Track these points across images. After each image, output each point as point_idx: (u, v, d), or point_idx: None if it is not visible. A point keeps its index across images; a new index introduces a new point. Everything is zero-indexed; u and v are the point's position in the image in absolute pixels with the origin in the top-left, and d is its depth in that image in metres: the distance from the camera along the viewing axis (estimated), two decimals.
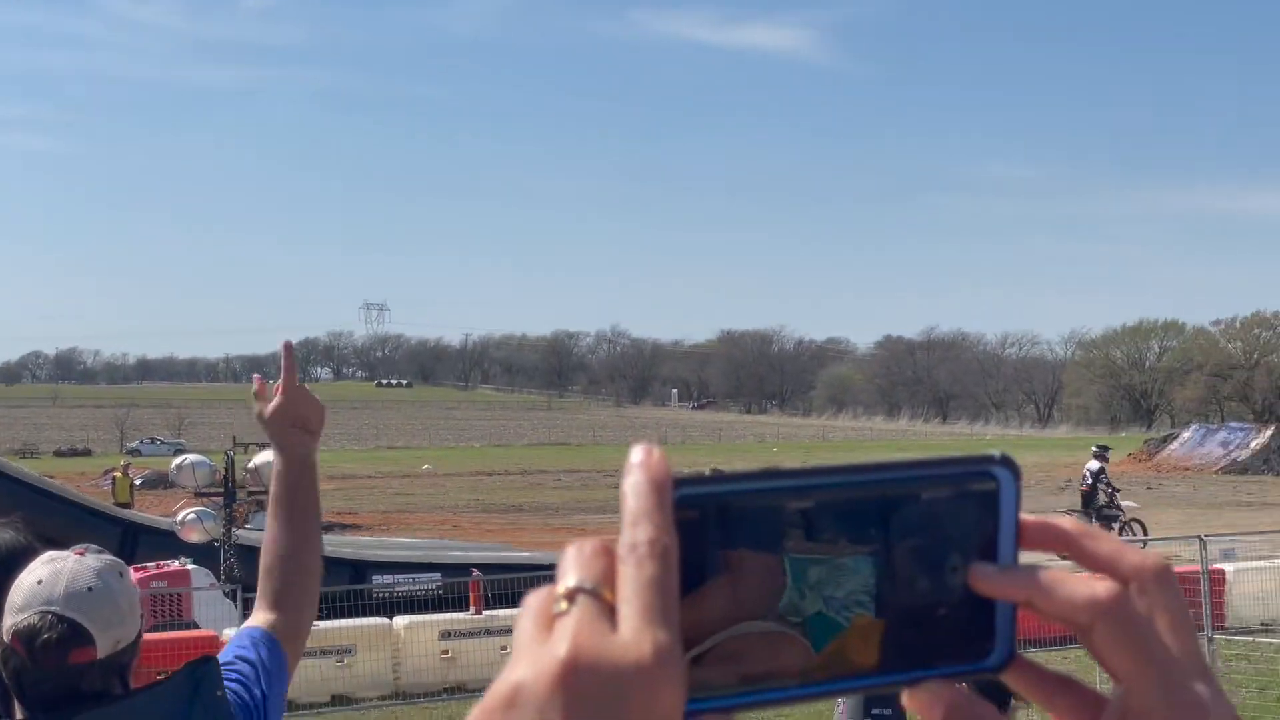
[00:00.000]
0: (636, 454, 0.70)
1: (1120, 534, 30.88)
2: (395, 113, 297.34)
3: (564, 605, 0.64)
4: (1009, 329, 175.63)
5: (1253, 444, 67.79)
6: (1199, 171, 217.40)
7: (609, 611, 0.64)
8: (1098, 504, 33.89)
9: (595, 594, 0.64)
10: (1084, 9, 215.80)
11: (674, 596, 0.65)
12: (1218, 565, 21.78)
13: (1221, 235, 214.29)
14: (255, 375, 3.05)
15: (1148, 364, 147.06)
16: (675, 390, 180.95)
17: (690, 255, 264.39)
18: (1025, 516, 0.76)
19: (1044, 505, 47.64)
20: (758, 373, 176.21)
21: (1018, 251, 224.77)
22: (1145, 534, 31.94)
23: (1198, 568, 18.90)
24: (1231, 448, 68.32)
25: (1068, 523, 0.77)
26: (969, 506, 0.75)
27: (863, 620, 0.71)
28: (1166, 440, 75.15)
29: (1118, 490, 35.40)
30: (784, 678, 0.69)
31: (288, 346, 3.05)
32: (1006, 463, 0.76)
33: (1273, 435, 68.42)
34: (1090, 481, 34.34)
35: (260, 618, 2.99)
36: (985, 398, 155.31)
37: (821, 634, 0.71)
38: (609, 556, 0.66)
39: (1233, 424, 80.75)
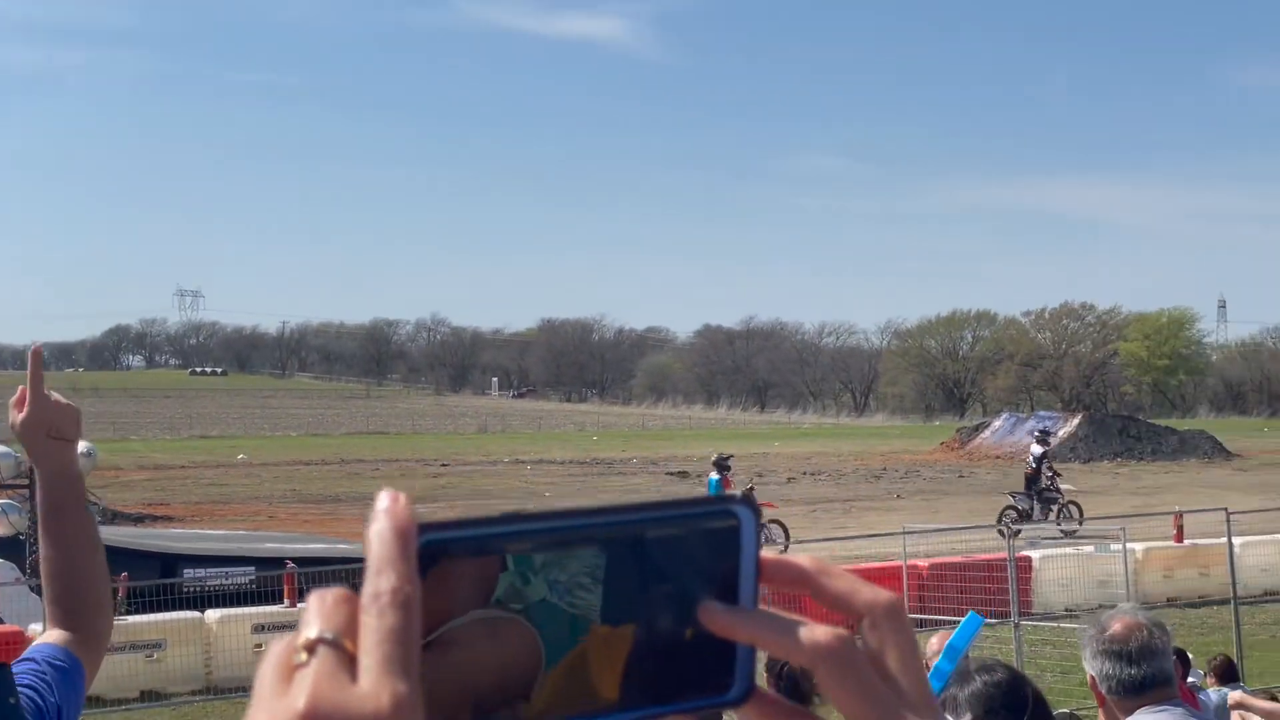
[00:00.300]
0: (382, 500, 0.70)
1: (1059, 515, 34.10)
2: (212, 97, 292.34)
3: (304, 656, 0.63)
4: (826, 319, 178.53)
5: (1061, 432, 69.39)
6: (1011, 165, 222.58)
7: (349, 662, 0.63)
8: (1040, 486, 35.83)
9: (336, 644, 0.63)
10: (905, 7, 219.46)
11: (415, 646, 0.64)
12: (1024, 553, 22.37)
13: (1031, 228, 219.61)
14: (21, 386, 2.88)
15: (961, 353, 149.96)
16: (495, 378, 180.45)
17: (511, 244, 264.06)
18: (765, 554, 0.77)
19: (856, 492, 48.44)
20: (578, 361, 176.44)
21: (835, 242, 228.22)
22: (1081, 515, 33.40)
23: (1005, 556, 19.34)
24: None
25: (805, 560, 0.78)
26: (711, 545, 0.76)
27: (600, 636, 0.72)
28: (978, 429, 76.72)
29: (1059, 474, 37.39)
30: (517, 703, 0.69)
31: (35, 354, 2.88)
32: (747, 502, 0.77)
33: (1080, 424, 70.18)
34: (1035, 465, 36.23)
35: (53, 635, 2.89)
36: (803, 386, 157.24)
37: (550, 627, 0.71)
38: (352, 605, 0.65)
39: (1042, 413, 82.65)
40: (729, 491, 0.72)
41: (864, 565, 24.54)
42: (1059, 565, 23.69)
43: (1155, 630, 4.43)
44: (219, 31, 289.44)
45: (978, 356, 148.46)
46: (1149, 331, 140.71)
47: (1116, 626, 4.35)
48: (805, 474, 57.32)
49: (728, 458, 35.56)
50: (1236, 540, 22.93)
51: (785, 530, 32.34)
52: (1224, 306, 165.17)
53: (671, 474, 57.65)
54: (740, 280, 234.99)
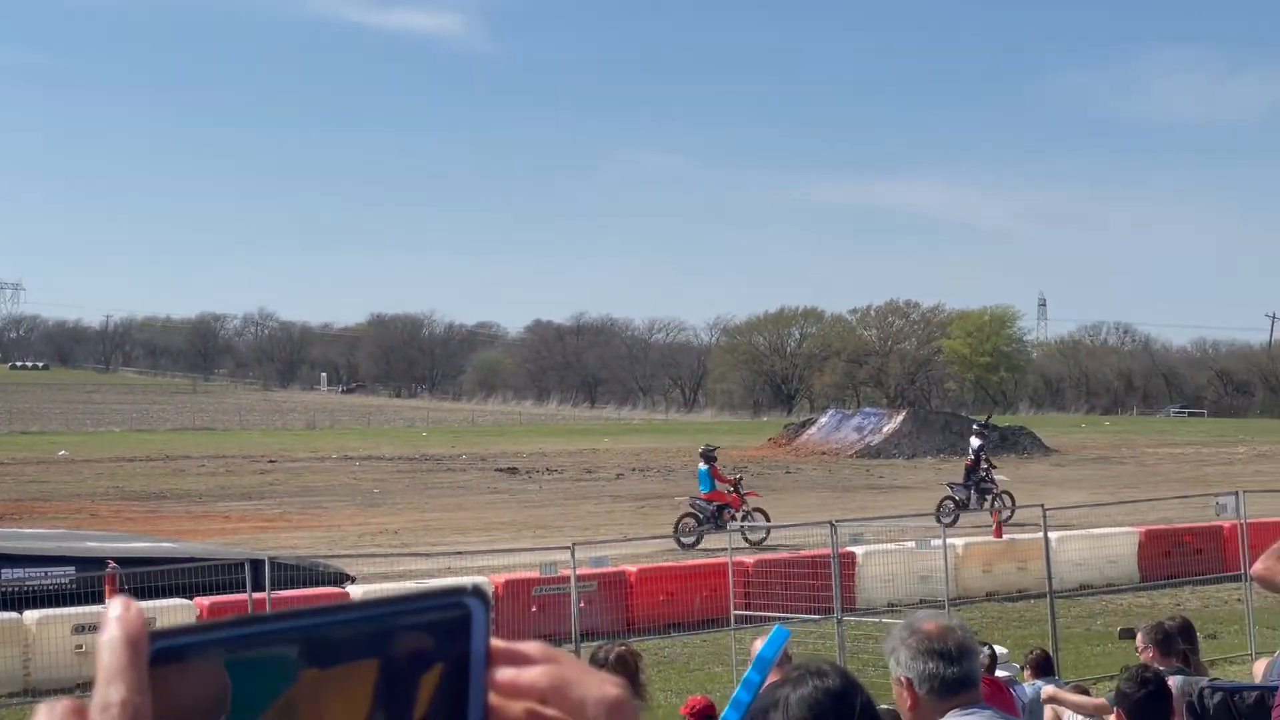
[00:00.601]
0: (114, 608, 0.67)
1: (992, 504, 35.72)
2: (30, 85, 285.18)
3: None
4: (656, 315, 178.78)
5: (885, 429, 70.53)
6: (840, 164, 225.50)
7: None
8: (977, 477, 37.64)
9: None
10: (737, 4, 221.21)
11: None
12: (848, 549, 22.69)
13: (859, 226, 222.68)
14: None
15: (789, 350, 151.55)
16: (324, 374, 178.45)
17: (341, 238, 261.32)
18: (495, 643, 0.79)
19: (684, 489, 48.70)
20: (408, 356, 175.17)
21: (665, 239, 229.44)
22: (1014, 504, 34.94)
23: (829, 551, 19.63)
24: (865, 432, 70.95)
25: (533, 648, 0.81)
26: (440, 637, 0.77)
27: None
28: (805, 425, 77.58)
29: (994, 466, 39.06)
30: None
31: None
32: (478, 593, 0.80)
33: (904, 420, 71.32)
34: (973, 457, 37.98)
35: None
36: (633, 382, 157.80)
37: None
38: (81, 718, 0.64)
39: (867, 409, 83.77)
40: (461, 583, 0.73)
41: (691, 562, 24.79)
42: (882, 561, 24.10)
43: (965, 631, 4.54)
44: (41, 19, 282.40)
45: (805, 353, 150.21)
46: (971, 329, 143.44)
47: (931, 627, 4.43)
48: (634, 470, 57.57)
49: (714, 449, 36.26)
50: (1053, 535, 23.52)
51: (766, 516, 33.03)
52: (1044, 305, 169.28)
53: (501, 470, 57.54)
54: (571, 276, 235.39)
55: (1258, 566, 5.62)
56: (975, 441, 38.87)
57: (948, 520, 31.77)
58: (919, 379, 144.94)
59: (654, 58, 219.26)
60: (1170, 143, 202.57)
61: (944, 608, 19.38)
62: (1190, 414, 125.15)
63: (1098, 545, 27.09)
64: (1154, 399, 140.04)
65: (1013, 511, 34.69)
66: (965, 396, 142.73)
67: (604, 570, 21.68)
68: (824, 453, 68.20)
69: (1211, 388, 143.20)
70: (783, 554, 23.66)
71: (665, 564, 24.86)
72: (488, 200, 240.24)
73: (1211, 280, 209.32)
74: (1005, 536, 26.77)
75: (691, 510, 33.82)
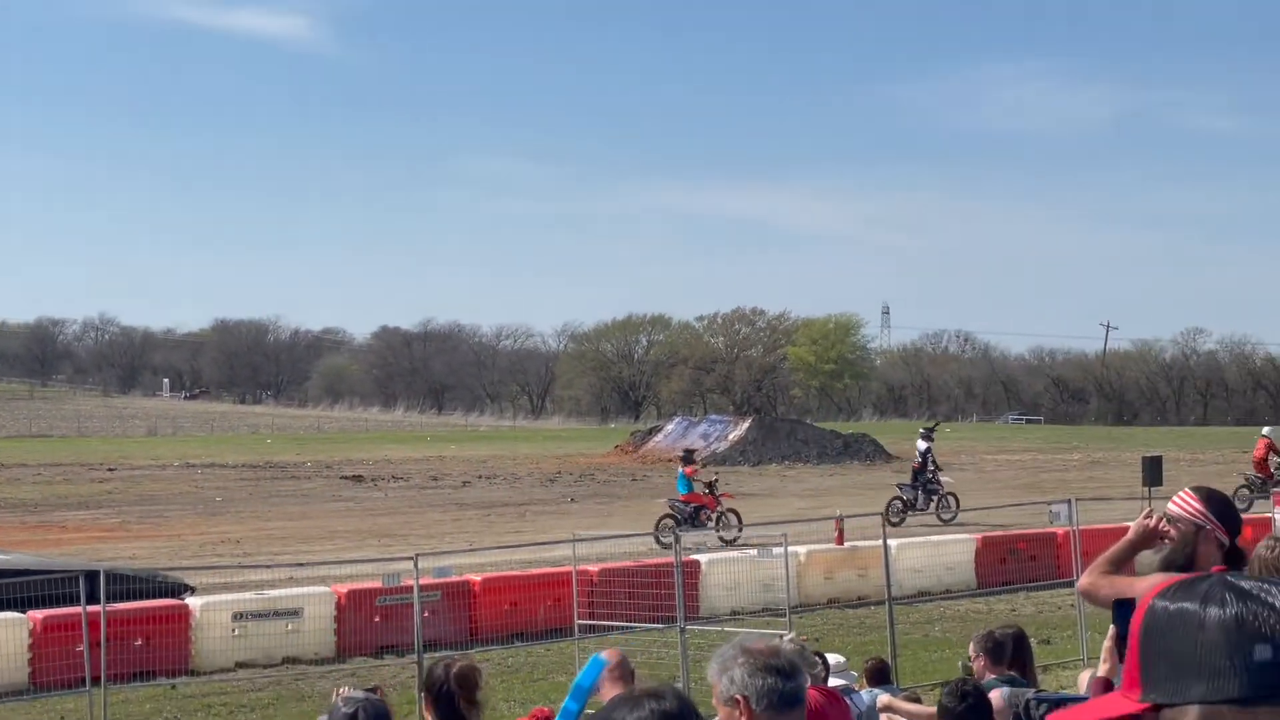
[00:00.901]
0: None
1: (939, 505, 37.79)
2: None
3: None
4: (504, 321, 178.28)
5: (731, 436, 71.02)
6: (688, 170, 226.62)
7: None
8: (924, 478, 39.22)
9: None
10: (584, 11, 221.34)
11: None
12: (691, 557, 22.87)
13: (706, 233, 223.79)
14: None
15: (636, 357, 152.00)
16: (166, 380, 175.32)
17: (183, 242, 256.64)
18: None
19: (531, 496, 48.72)
20: (252, 362, 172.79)
21: (513, 244, 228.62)
22: (958, 506, 37.22)
23: (671, 560, 19.75)
24: (712, 439, 71.34)
25: None
26: None
27: None
28: (651, 432, 77.82)
29: (940, 468, 40.56)
30: None
31: None
32: None
33: (749, 427, 71.87)
34: (920, 459, 39.56)
35: None
36: (480, 389, 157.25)
37: None
38: None
39: (713, 416, 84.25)
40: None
41: (535, 571, 24.79)
42: (725, 569, 24.29)
43: (799, 643, 4.62)
44: None
45: (652, 360, 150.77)
46: (817, 337, 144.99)
47: (762, 645, 4.51)
48: (480, 477, 57.40)
49: (692, 452, 38.56)
50: (892, 542, 23.88)
51: (738, 517, 34.18)
52: (888, 313, 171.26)
53: (346, 478, 57.04)
54: (418, 282, 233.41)
55: (1083, 581, 5.78)
56: (921, 444, 40.14)
57: (896, 520, 35.01)
58: (765, 386, 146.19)
59: (503, 62, 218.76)
60: (1010, 154, 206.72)
61: (786, 615, 19.59)
62: (1028, 421, 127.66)
63: (936, 552, 27.57)
64: (993, 406, 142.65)
65: (955, 513, 36.42)
66: (810, 404, 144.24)
67: (448, 580, 21.61)
68: (670, 460, 68.20)
69: (1048, 395, 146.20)
70: (627, 563, 23.73)
71: (510, 573, 24.83)
72: (334, 205, 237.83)
73: (1049, 289, 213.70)
74: (846, 544, 27.10)
75: (670, 511, 34.88)
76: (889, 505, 36.19)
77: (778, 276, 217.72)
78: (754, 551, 23.17)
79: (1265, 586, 1.77)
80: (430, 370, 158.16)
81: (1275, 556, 6.57)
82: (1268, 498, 36.11)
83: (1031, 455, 70.34)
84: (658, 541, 30.36)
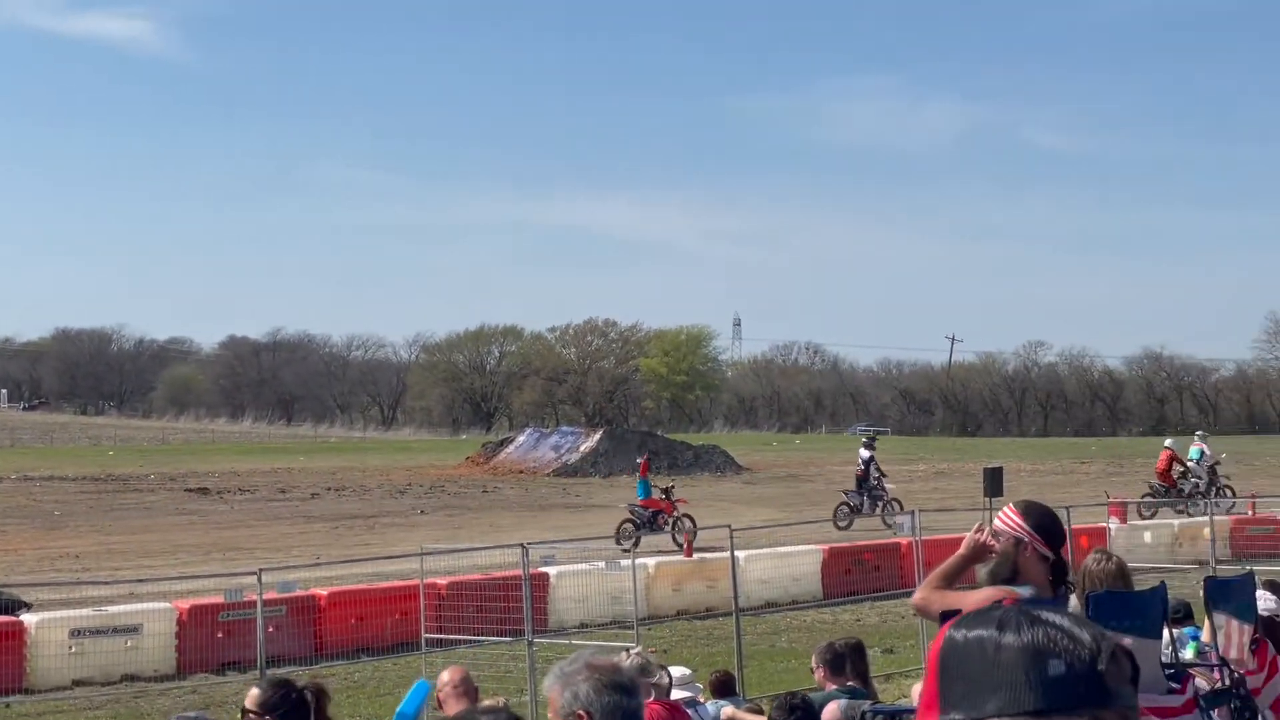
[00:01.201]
0: None
1: (883, 510, 39.53)
2: None
3: None
4: (355, 331, 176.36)
5: (582, 447, 71.01)
6: (537, 181, 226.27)
7: None
8: (869, 485, 41.16)
9: None
10: (431, 20, 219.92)
11: None
12: (540, 569, 22.82)
13: (558, 244, 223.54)
14: None
15: (488, 368, 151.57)
16: (5, 390, 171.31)
17: (24, 249, 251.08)
18: None
19: (380, 509, 48.30)
20: (94, 372, 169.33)
21: (364, 254, 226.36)
22: (901, 509, 37.40)
23: (520, 573, 19.71)
24: (563, 451, 71.32)
25: None
26: None
27: None
28: (503, 444, 77.56)
29: (884, 474, 42.40)
30: None
31: None
32: None
33: (600, 439, 71.93)
34: (864, 467, 41.41)
35: None
36: (330, 399, 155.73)
37: None
38: None
39: (565, 428, 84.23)
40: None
41: (382, 584, 24.58)
42: (574, 582, 24.29)
43: (639, 661, 4.65)
44: None
45: (505, 371, 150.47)
46: (669, 348, 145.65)
47: (605, 662, 4.53)
48: (329, 489, 56.79)
49: (645, 456, 40.51)
50: (740, 554, 24.05)
51: (693, 521, 35.39)
52: (739, 325, 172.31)
53: (191, 490, 56.14)
54: (267, 291, 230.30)
55: (916, 597, 5.88)
56: (865, 453, 42.12)
57: (843, 524, 37.38)
58: (617, 397, 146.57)
59: (352, 70, 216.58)
60: (858, 168, 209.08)
61: (634, 628, 19.65)
62: (876, 432, 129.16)
63: (783, 563, 27.83)
64: (841, 417, 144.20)
65: (899, 516, 36.95)
66: (662, 415, 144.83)
67: (293, 594, 21.38)
68: (521, 471, 68.33)
69: (895, 407, 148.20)
70: (475, 576, 23.65)
71: (357, 587, 24.60)
72: (182, 213, 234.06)
73: (896, 302, 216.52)
74: (695, 556, 27.25)
75: (630, 516, 36.61)
76: (836, 510, 38.71)
77: (630, 288, 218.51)
78: (602, 564, 23.23)
79: (1056, 613, 1.85)
80: (279, 381, 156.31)
81: (1101, 569, 6.73)
82: (1173, 505, 37.65)
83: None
84: (618, 544, 31.59)
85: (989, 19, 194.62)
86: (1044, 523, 5.90)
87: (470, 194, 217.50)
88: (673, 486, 38.96)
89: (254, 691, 6.22)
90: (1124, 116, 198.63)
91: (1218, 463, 43.20)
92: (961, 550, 5.94)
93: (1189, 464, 42.88)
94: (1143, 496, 38.25)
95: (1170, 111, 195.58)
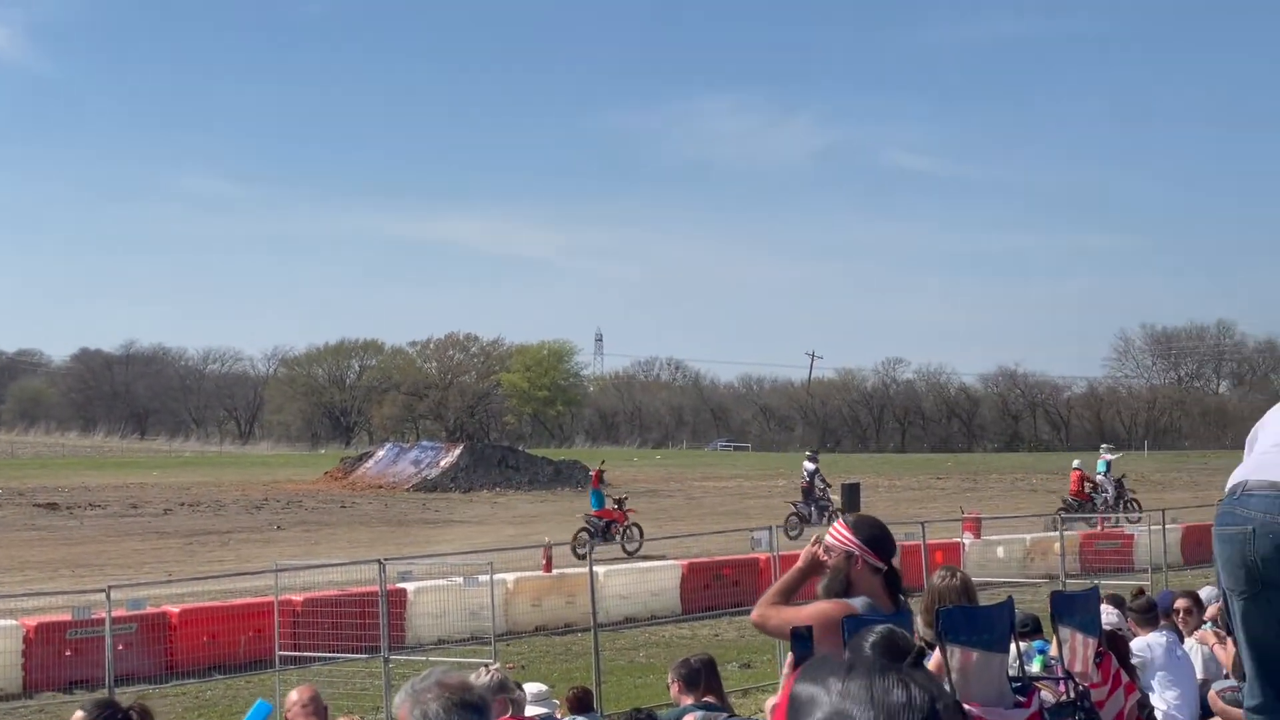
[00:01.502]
0: None
1: (829, 520, 38.93)
2: None
3: None
4: (211, 345, 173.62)
5: (442, 462, 70.66)
6: (399, 194, 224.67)
7: None
8: (815, 496, 43.79)
9: None
10: (289, 31, 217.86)
11: None
12: (398, 585, 22.65)
13: (418, 258, 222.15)
14: None
15: (348, 382, 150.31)
16: None
17: None
18: None
19: (236, 524, 47.66)
20: None
21: (222, 267, 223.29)
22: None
23: (377, 589, 19.56)
24: (423, 466, 70.93)
25: None
26: None
27: None
28: (362, 458, 76.95)
29: (829, 485, 45.03)
30: None
31: None
32: None
33: (461, 454, 71.63)
34: (808, 480, 44.01)
35: None
36: (186, 413, 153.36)
37: None
38: None
39: (425, 442, 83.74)
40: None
41: (236, 601, 24.25)
42: (432, 597, 24.15)
43: (498, 678, 4.63)
44: None
45: (365, 385, 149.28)
46: (530, 363, 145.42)
47: (456, 680, 4.50)
48: (183, 505, 55.92)
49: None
50: (599, 569, 24.09)
51: (641, 530, 37.83)
52: (600, 340, 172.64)
53: (40, 505, 55.00)
54: (121, 304, 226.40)
55: (754, 613, 5.94)
56: (809, 466, 44.61)
57: (794, 534, 39.38)
58: (478, 412, 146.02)
59: (208, 80, 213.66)
60: (720, 185, 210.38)
61: (491, 644, 19.58)
62: (736, 448, 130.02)
63: (642, 578, 27.91)
64: (702, 433, 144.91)
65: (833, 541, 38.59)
66: (523, 430, 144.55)
67: (144, 612, 21.02)
68: (381, 486, 67.82)
69: (756, 423, 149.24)
70: (332, 592, 23.42)
71: (210, 604, 24.25)
72: (31, 223, 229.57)
73: (758, 319, 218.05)
74: (554, 571, 27.22)
75: (585, 526, 38.15)
76: (787, 520, 41.06)
77: (493, 303, 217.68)
78: (460, 580, 23.11)
79: (885, 664, 1.88)
80: (133, 394, 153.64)
81: (947, 586, 6.84)
82: (1087, 519, 38.82)
83: (738, 482, 71.61)
84: (574, 553, 33.63)
85: (850, 39, 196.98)
86: (874, 536, 6.00)
87: (331, 206, 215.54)
88: (625, 498, 40.87)
89: (78, 714, 6.15)
90: (980, 138, 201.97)
91: (1124, 476, 46.16)
92: (799, 564, 6.03)
93: (1098, 478, 45.76)
94: (1057, 511, 39.59)
95: (1023, 134, 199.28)
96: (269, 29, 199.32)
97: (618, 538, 37.77)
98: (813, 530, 39.05)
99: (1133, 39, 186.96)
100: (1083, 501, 43.90)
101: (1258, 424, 5.94)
